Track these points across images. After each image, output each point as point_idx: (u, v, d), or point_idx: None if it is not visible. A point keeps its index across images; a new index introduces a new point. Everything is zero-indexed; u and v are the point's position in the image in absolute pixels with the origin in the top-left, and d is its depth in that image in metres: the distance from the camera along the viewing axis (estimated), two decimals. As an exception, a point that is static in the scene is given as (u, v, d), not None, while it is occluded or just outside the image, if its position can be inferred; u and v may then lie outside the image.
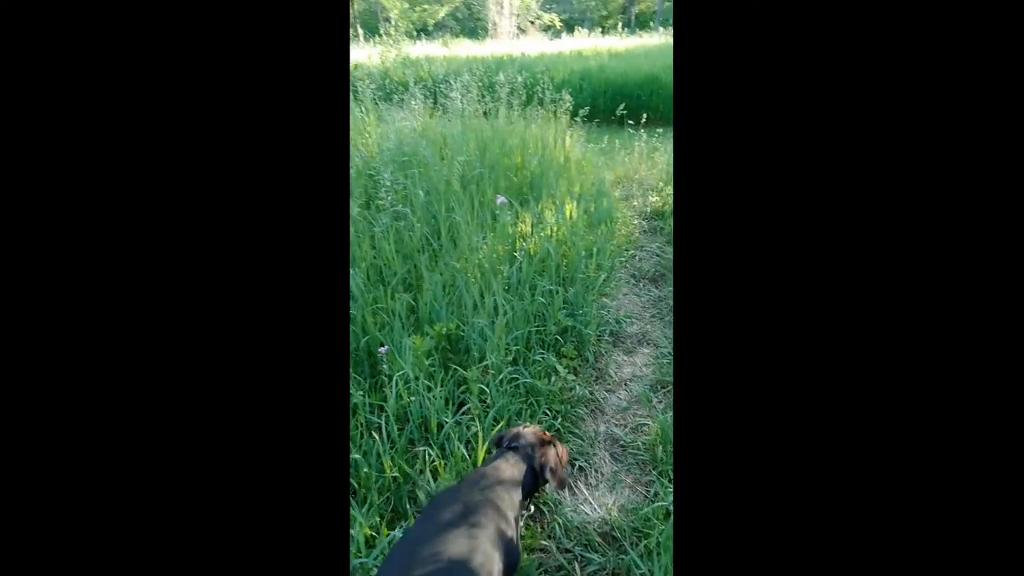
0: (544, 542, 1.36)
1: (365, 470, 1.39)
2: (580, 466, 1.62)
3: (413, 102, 3.85)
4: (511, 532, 1.00)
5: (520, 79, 4.28)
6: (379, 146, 3.26)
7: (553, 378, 1.86)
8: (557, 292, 2.12)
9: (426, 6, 20.40)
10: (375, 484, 1.38)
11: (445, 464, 1.46)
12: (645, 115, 5.31)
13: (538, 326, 2.05)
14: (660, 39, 11.90)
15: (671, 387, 1.94)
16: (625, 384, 2.00)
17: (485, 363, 1.77)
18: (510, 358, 1.82)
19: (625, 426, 1.79)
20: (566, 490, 1.52)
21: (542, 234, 2.48)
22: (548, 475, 1.18)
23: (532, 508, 1.42)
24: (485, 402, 1.68)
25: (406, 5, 19.39)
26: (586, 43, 11.48)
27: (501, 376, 1.72)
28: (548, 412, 1.76)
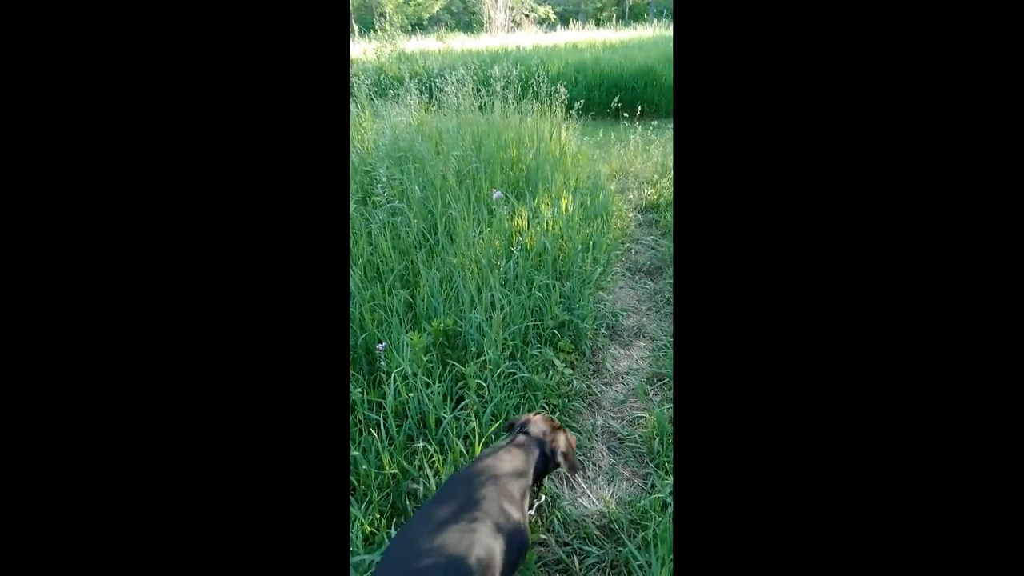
0: (543, 536, 1.37)
1: (364, 467, 1.39)
2: (579, 459, 1.63)
3: (408, 97, 3.83)
4: (517, 515, 1.02)
5: (515, 72, 4.28)
6: (375, 142, 3.25)
7: (550, 372, 1.87)
8: (554, 286, 2.13)
9: (420, 1, 20.26)
10: (374, 481, 1.39)
11: (444, 460, 1.46)
12: (640, 107, 5.31)
13: (535, 321, 2.05)
14: (654, 31, 11.88)
15: (667, 380, 1.95)
16: (622, 377, 2.01)
17: (483, 358, 1.78)
18: (507, 353, 1.83)
19: (622, 419, 1.80)
20: (565, 484, 1.53)
21: (538, 228, 2.48)
22: (560, 459, 1.22)
23: (543, 497, 1.43)
24: (483, 397, 1.69)
25: (401, 0, 19.25)
26: (581, 36, 11.45)
27: (499, 371, 1.72)
28: (546, 406, 1.77)
